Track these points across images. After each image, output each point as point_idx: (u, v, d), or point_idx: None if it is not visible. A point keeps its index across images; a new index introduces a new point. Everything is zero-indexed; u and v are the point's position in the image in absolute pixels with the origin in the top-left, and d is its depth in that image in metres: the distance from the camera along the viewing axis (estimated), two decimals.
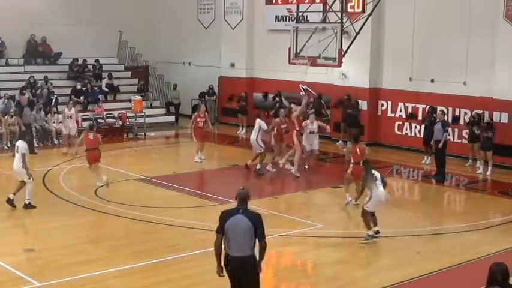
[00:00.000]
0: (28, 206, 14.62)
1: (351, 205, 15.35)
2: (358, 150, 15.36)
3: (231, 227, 8.10)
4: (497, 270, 6.79)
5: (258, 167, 18.77)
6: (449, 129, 19.99)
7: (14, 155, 15.10)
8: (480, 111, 20.63)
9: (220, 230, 8.19)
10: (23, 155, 14.60)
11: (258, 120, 19.35)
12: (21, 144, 14.80)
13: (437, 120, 19.49)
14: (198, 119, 20.59)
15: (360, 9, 22.27)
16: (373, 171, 12.98)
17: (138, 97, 26.95)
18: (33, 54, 28.22)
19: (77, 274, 10.71)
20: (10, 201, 14.65)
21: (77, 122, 23.24)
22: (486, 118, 20.29)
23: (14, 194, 14.69)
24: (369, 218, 12.83)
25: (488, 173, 19.53)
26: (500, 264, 6.86)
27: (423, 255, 12.33)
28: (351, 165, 15.38)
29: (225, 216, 8.23)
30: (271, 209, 14.94)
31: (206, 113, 21.19)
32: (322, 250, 12.86)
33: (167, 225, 13.64)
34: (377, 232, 12.83)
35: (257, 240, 8.14)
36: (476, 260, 11.81)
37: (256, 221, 8.15)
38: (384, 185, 12.88)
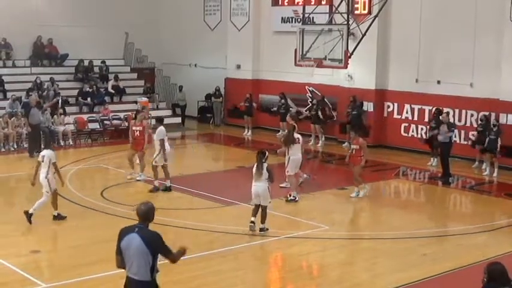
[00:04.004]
0: (29, 215, 13.56)
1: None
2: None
3: (125, 246, 7.15)
4: (500, 270, 6.67)
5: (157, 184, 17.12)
6: (456, 130, 19.99)
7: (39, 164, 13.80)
8: (487, 113, 20.61)
9: (118, 251, 7.23)
10: (54, 164, 13.71)
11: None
12: (48, 153, 13.76)
13: (443, 122, 19.43)
14: (134, 128, 18.41)
15: (366, 11, 22.27)
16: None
17: (144, 99, 26.99)
18: (39, 56, 28.28)
19: (83, 275, 10.73)
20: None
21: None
22: (492, 120, 20.26)
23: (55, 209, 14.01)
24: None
25: (495, 174, 19.50)
26: (498, 264, 6.75)
27: (429, 257, 12.33)
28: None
29: (120, 235, 7.24)
30: (277, 210, 14.93)
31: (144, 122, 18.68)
32: (327, 252, 12.86)
33: (173, 227, 13.63)
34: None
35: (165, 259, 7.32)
36: (482, 262, 11.77)
37: (153, 242, 7.13)
38: None
